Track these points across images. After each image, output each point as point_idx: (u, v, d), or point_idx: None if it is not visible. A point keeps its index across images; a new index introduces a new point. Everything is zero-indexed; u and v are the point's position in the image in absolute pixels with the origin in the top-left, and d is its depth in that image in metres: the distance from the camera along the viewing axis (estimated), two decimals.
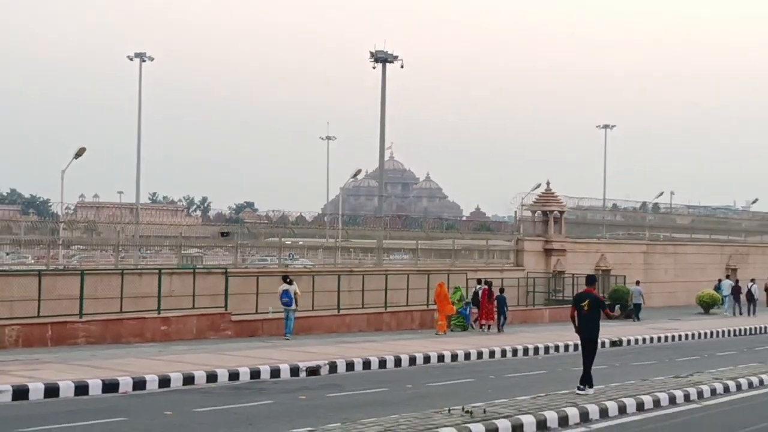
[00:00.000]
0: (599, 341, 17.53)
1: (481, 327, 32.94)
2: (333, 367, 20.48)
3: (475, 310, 33.62)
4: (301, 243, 47.49)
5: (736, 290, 45.03)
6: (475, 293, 33.60)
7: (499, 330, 32.67)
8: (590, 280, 18.01)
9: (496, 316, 33.18)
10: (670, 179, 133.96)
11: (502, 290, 34.69)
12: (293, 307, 27.63)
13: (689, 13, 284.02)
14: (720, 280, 48.54)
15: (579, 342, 17.86)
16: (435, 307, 32.61)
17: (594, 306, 16.84)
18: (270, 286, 29.28)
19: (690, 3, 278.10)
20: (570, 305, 19.91)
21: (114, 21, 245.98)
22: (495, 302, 33.32)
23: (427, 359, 23.14)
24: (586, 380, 16.67)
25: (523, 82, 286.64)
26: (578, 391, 16.36)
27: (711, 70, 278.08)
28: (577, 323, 16.99)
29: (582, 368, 16.88)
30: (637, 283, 42.17)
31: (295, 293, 27.81)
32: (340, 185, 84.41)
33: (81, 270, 26.88)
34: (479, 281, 34.39)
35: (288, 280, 28.46)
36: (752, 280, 46.08)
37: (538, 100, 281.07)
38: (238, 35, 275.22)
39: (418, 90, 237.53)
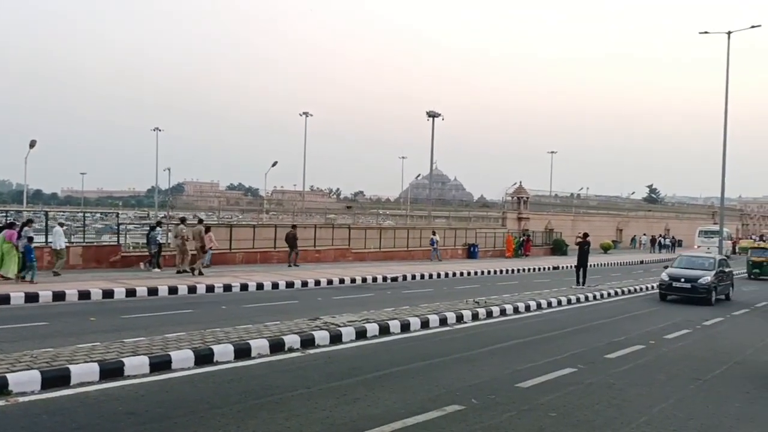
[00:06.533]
0: (588, 265, 18.47)
1: (525, 255, 34.78)
2: (404, 277, 20.40)
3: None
4: (387, 212, 48.10)
5: (652, 240, 49.97)
6: (519, 240, 35.73)
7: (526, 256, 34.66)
8: (585, 235, 18.56)
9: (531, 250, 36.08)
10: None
11: (529, 237, 36.84)
12: (435, 246, 28.88)
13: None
14: (635, 236, 54.52)
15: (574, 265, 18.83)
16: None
17: (587, 246, 18.27)
18: (371, 234, 29.26)
19: None
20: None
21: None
22: (529, 244, 36.27)
23: (446, 275, 22.38)
24: (582, 281, 17.68)
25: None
26: (573, 287, 17.25)
27: None
28: (578, 254, 18.32)
29: (575, 277, 18.07)
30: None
31: (437, 241, 29.02)
32: (409, 182, 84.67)
33: (275, 224, 27.27)
34: (523, 233, 37.17)
35: (434, 232, 29.70)
36: (644, 234, 52.68)
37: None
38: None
39: (450, 127, 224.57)
